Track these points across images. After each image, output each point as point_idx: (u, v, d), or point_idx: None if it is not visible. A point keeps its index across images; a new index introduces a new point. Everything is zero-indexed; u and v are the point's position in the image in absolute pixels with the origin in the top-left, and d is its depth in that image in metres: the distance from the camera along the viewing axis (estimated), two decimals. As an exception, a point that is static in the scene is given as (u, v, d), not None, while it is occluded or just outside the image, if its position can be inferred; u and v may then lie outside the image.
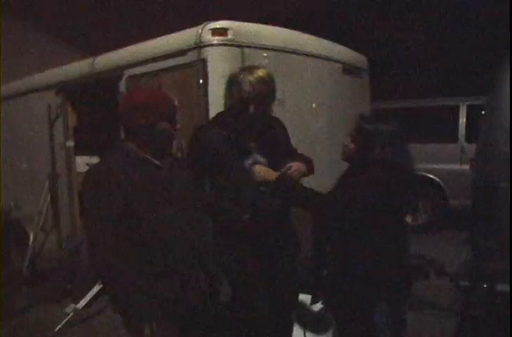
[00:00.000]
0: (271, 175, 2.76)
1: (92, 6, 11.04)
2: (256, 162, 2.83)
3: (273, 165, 2.94)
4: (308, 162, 3.14)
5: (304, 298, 2.80)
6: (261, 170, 2.80)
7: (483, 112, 3.67)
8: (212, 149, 2.87)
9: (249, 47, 4.12)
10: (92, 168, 2.42)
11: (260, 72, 2.85)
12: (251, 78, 2.80)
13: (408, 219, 8.73)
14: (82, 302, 4.78)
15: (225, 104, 3.01)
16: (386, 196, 2.36)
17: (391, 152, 2.43)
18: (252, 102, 2.81)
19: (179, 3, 11.31)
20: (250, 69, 2.90)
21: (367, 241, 2.43)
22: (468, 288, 3.38)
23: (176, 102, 2.53)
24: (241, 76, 2.84)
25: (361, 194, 2.38)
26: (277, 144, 3.06)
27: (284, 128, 3.23)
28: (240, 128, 2.94)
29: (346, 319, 2.54)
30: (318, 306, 2.72)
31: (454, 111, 8.35)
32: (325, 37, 5.11)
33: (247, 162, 2.83)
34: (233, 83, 2.89)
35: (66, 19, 11.09)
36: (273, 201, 2.85)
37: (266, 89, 2.82)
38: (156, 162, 2.44)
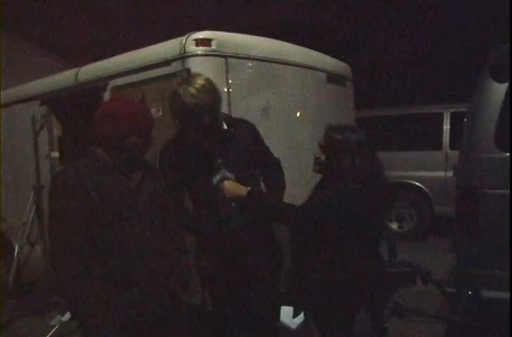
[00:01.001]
0: (241, 190, 2.73)
1: (80, 17, 11.02)
2: (224, 178, 2.83)
3: (243, 178, 2.91)
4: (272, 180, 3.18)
5: (287, 310, 2.79)
6: (231, 186, 2.77)
7: (465, 119, 3.70)
8: (176, 166, 2.89)
9: (233, 57, 4.14)
10: (62, 170, 2.41)
11: (199, 81, 2.76)
12: (190, 88, 2.71)
13: (394, 226, 8.79)
14: (67, 315, 4.74)
15: (173, 119, 2.92)
16: (360, 204, 2.38)
17: (361, 160, 2.46)
18: (202, 113, 2.73)
19: (166, 14, 11.33)
20: (187, 81, 2.80)
21: (343, 251, 2.44)
22: (454, 295, 3.40)
23: (151, 118, 2.46)
24: (181, 89, 2.74)
25: (334, 204, 2.40)
26: (244, 155, 3.00)
27: (253, 131, 3.14)
28: (204, 143, 2.92)
29: (328, 329, 2.55)
30: (300, 317, 2.72)
31: (438, 118, 8.41)
32: (309, 46, 5.15)
33: (215, 178, 2.85)
34: (174, 99, 2.77)
35: (52, 30, 11.06)
36: (246, 217, 2.87)
37: (211, 97, 2.75)
38: (126, 172, 2.41)
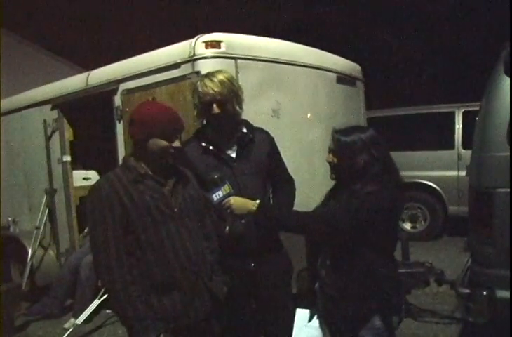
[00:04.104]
0: (249, 205, 2.54)
1: (90, 20, 11.09)
2: (229, 194, 2.58)
3: (255, 186, 2.89)
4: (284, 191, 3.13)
5: (302, 313, 2.76)
6: (237, 203, 2.56)
7: (477, 118, 3.67)
8: (191, 165, 2.85)
9: (242, 59, 4.15)
10: (96, 182, 2.44)
11: (217, 74, 2.86)
12: (206, 80, 2.83)
13: (407, 226, 8.75)
14: (81, 317, 4.75)
15: (197, 116, 3.00)
16: (378, 206, 2.35)
17: (375, 159, 2.42)
18: (213, 102, 2.79)
19: (175, 16, 11.37)
20: (207, 74, 2.93)
21: (360, 255, 2.40)
22: (467, 296, 3.36)
23: (176, 120, 2.46)
24: (198, 82, 2.89)
25: (352, 208, 2.35)
26: (260, 162, 2.98)
27: (271, 142, 3.12)
28: (218, 139, 2.93)
29: (338, 333, 2.53)
30: (314, 320, 2.69)
31: (450, 117, 8.36)
32: (320, 47, 5.14)
33: (216, 195, 2.59)
34: (194, 91, 2.91)
35: (63, 34, 11.14)
36: (259, 231, 2.80)
37: (224, 88, 2.80)
38: (158, 178, 2.44)
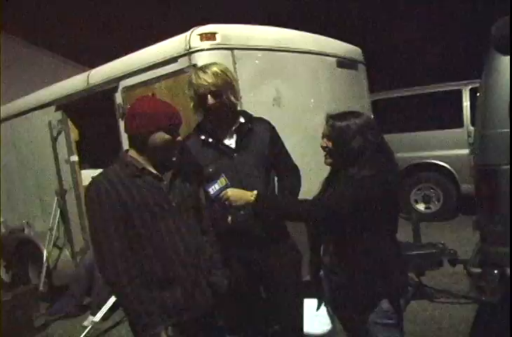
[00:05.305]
0: (247, 196, 2.49)
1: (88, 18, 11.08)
2: (226, 186, 2.54)
3: (255, 177, 2.89)
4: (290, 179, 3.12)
5: (310, 302, 2.75)
6: (235, 194, 2.52)
7: (478, 94, 3.62)
8: (191, 159, 2.89)
9: (239, 49, 4.11)
10: (94, 179, 2.44)
11: (211, 66, 2.88)
12: (200, 72, 2.86)
13: (421, 207, 8.71)
14: (99, 315, 4.80)
15: (193, 108, 3.00)
16: (376, 190, 2.34)
17: (369, 143, 2.41)
18: (207, 93, 2.81)
19: (176, 8, 11.33)
20: (201, 67, 2.97)
21: (362, 239, 2.40)
22: (479, 275, 3.34)
23: (178, 114, 2.47)
24: (192, 75, 2.91)
25: (350, 191, 2.35)
26: (260, 152, 2.97)
27: (272, 131, 3.10)
28: (218, 132, 2.94)
29: (349, 321, 2.53)
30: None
31: (457, 95, 8.27)
32: (321, 31, 5.09)
33: (212, 188, 2.55)
34: (189, 84, 2.93)
35: (55, 30, 11.12)
36: (261, 221, 2.79)
37: (218, 79, 2.81)
38: (156, 173, 2.44)
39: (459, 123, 8.20)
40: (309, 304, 2.74)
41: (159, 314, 2.27)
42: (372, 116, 5.68)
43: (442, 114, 8.52)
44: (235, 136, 2.96)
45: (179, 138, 2.43)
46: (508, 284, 3.17)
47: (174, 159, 2.69)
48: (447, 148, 8.35)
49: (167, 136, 2.38)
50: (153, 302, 2.30)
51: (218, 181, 2.55)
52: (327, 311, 2.67)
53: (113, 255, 2.27)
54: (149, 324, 2.24)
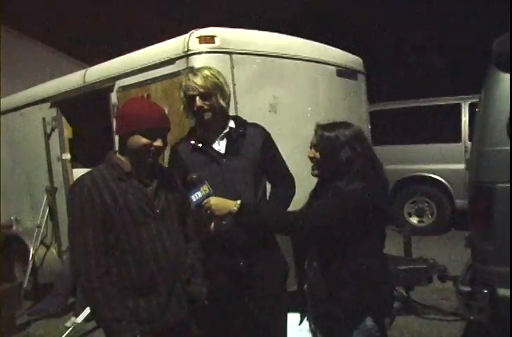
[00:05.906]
0: (230, 205, 2.39)
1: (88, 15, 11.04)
2: (208, 195, 2.43)
3: (245, 183, 2.82)
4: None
5: (293, 317, 2.69)
6: (217, 203, 2.41)
7: (477, 110, 3.58)
8: (182, 164, 2.84)
9: (237, 53, 4.07)
10: (79, 178, 2.39)
11: (202, 69, 2.84)
12: (190, 75, 2.82)
13: (414, 220, 8.67)
14: (81, 316, 4.73)
15: (184, 111, 2.93)
16: (363, 203, 2.28)
17: (358, 155, 2.36)
18: (196, 95, 2.76)
19: (175, 11, 11.31)
20: (192, 70, 2.97)
21: (346, 254, 2.34)
22: (468, 294, 3.28)
23: (162, 118, 2.40)
24: (183, 77, 2.90)
25: (337, 205, 2.30)
26: (251, 157, 2.89)
27: (265, 136, 3.01)
28: (206, 136, 2.88)
29: (329, 335, 2.47)
30: (305, 322, 2.62)
31: (456, 110, 8.26)
32: (323, 40, 5.05)
33: (194, 196, 2.45)
34: (180, 86, 2.88)
35: (55, 27, 11.09)
36: (241, 233, 2.72)
37: (207, 82, 2.76)
38: (141, 177, 2.38)
39: (457, 138, 8.19)
40: (292, 318, 2.68)
41: (130, 322, 2.20)
42: (369, 127, 5.64)
43: (441, 128, 8.51)
44: (225, 141, 2.89)
45: (157, 143, 2.33)
46: (498, 305, 3.11)
47: (165, 164, 2.64)
48: (443, 162, 8.33)
49: (143, 140, 2.30)
50: (125, 308, 2.23)
51: (201, 189, 2.45)
52: (309, 326, 2.60)
53: (87, 258, 2.21)
54: (117, 331, 2.18)
